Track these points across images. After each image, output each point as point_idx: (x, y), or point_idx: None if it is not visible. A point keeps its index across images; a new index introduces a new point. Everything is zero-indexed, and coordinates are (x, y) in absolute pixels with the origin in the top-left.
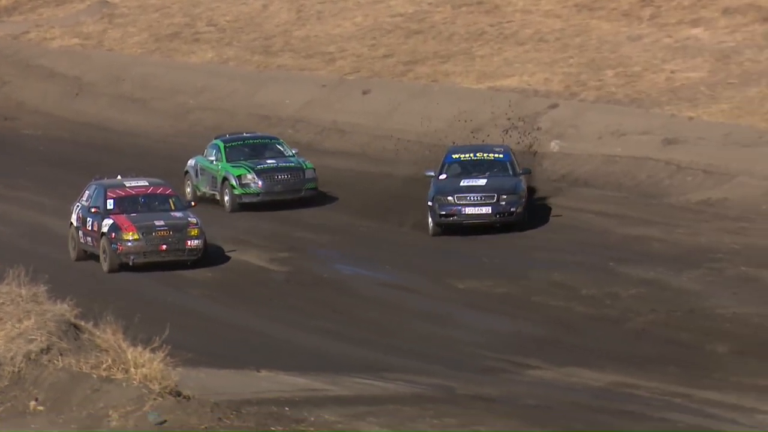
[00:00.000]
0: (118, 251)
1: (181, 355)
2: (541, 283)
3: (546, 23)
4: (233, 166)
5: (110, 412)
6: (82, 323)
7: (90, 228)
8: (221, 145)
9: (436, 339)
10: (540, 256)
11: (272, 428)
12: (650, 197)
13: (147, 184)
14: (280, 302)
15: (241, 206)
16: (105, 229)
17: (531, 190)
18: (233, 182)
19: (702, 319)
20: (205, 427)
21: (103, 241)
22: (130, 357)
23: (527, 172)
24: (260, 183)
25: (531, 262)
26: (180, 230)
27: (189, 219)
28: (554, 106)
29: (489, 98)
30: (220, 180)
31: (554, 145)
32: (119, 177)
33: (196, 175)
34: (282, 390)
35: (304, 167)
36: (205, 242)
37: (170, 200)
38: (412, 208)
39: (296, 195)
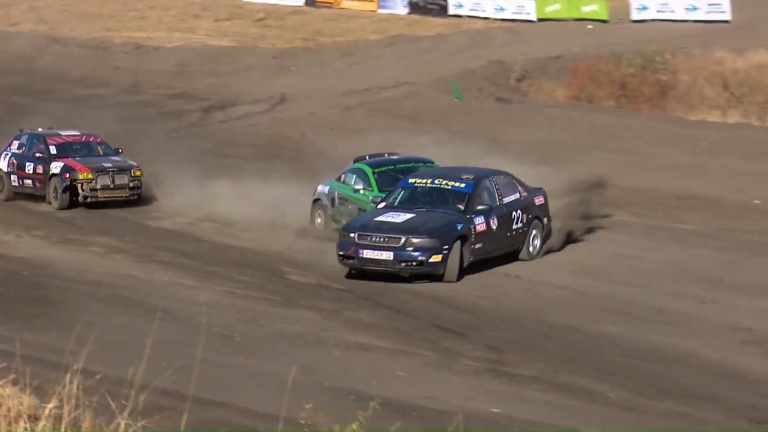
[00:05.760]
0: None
1: None
2: None
3: None
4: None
5: None
6: None
7: (31, 171)
8: (369, 171)
9: None
10: None
11: None
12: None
13: (79, 133)
14: None
15: None
16: (56, 171)
17: None
18: None
19: None
20: None
21: (54, 182)
22: None
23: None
24: None
25: None
26: (126, 171)
27: (130, 162)
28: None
29: None
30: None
31: None
32: (40, 129)
33: (333, 204)
34: None
35: None
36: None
37: (99, 147)
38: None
39: None
